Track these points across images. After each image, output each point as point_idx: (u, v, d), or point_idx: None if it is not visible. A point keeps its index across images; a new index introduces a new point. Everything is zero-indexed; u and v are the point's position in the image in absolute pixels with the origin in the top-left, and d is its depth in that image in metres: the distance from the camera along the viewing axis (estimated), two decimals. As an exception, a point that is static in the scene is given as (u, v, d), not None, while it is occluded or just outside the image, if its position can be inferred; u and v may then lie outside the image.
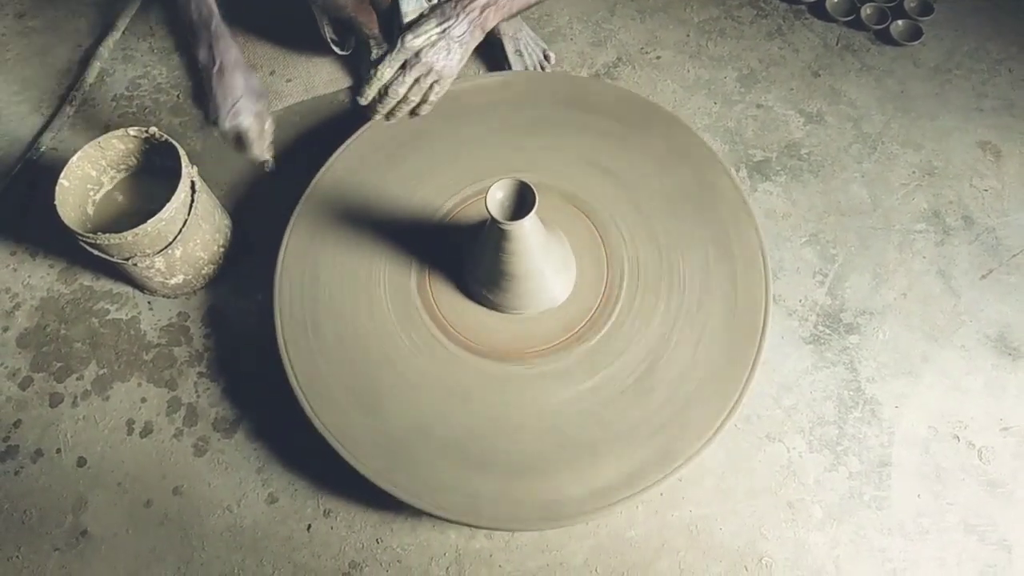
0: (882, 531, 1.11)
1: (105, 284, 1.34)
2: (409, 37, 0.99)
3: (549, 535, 1.11)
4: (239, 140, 1.18)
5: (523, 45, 1.52)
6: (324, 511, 1.14)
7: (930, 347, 1.25)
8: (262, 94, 1.18)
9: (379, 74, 1.00)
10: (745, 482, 1.15)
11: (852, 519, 1.12)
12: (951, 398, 1.21)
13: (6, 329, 1.31)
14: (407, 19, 1.01)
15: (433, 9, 1.02)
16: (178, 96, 1.56)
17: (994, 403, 1.20)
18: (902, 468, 1.15)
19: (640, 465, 1.03)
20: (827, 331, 1.27)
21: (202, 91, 1.52)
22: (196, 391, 1.24)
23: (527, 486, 1.03)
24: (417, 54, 1.00)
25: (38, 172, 1.46)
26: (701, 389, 1.07)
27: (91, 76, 1.57)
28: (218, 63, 1.14)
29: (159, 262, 1.18)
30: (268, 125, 1.20)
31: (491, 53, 1.55)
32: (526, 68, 1.51)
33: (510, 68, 1.50)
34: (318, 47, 1.52)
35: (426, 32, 1.00)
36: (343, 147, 1.30)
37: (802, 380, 1.22)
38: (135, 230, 1.10)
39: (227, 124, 1.15)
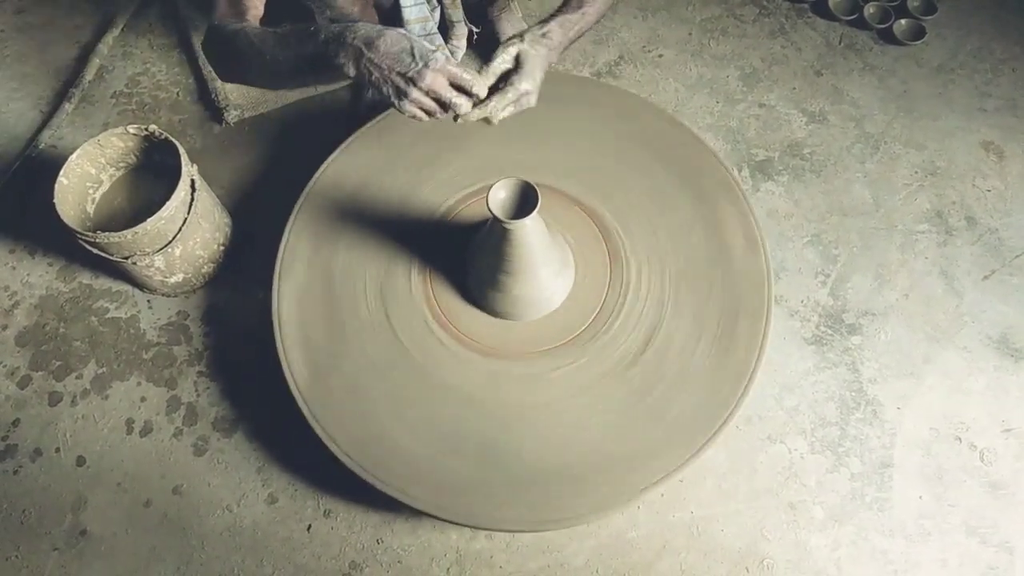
0: (884, 533, 1.11)
1: (104, 282, 1.34)
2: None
3: (550, 536, 1.11)
4: (452, 88, 0.90)
5: None
6: (324, 511, 1.14)
7: (932, 348, 1.25)
8: (422, 40, 0.93)
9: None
10: (746, 483, 1.14)
11: (853, 521, 1.12)
12: (953, 399, 1.21)
13: (5, 327, 1.30)
14: (409, 22, 0.98)
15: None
16: (178, 93, 1.55)
17: (996, 405, 1.20)
18: (904, 469, 1.15)
19: (641, 466, 1.02)
20: (829, 332, 1.27)
21: (206, 88, 1.52)
22: (196, 390, 1.23)
23: (527, 486, 1.02)
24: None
25: (37, 170, 1.45)
26: (702, 390, 1.07)
27: (90, 73, 1.56)
28: (358, 42, 0.86)
29: (159, 261, 1.18)
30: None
31: (490, 52, 1.54)
32: None
33: None
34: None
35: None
36: (343, 145, 1.29)
37: (804, 381, 1.22)
38: (135, 229, 1.10)
39: (426, 78, 0.85)
